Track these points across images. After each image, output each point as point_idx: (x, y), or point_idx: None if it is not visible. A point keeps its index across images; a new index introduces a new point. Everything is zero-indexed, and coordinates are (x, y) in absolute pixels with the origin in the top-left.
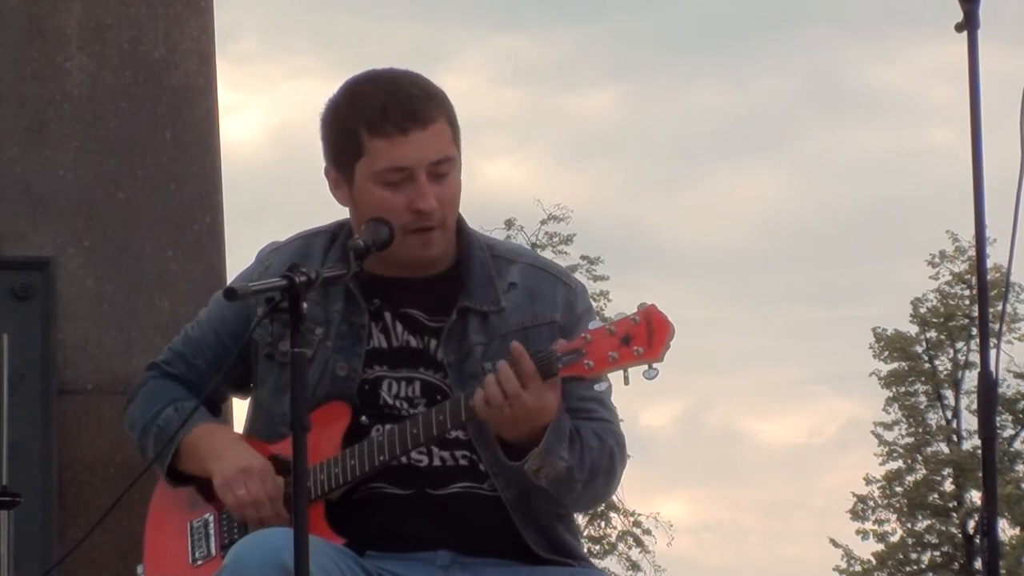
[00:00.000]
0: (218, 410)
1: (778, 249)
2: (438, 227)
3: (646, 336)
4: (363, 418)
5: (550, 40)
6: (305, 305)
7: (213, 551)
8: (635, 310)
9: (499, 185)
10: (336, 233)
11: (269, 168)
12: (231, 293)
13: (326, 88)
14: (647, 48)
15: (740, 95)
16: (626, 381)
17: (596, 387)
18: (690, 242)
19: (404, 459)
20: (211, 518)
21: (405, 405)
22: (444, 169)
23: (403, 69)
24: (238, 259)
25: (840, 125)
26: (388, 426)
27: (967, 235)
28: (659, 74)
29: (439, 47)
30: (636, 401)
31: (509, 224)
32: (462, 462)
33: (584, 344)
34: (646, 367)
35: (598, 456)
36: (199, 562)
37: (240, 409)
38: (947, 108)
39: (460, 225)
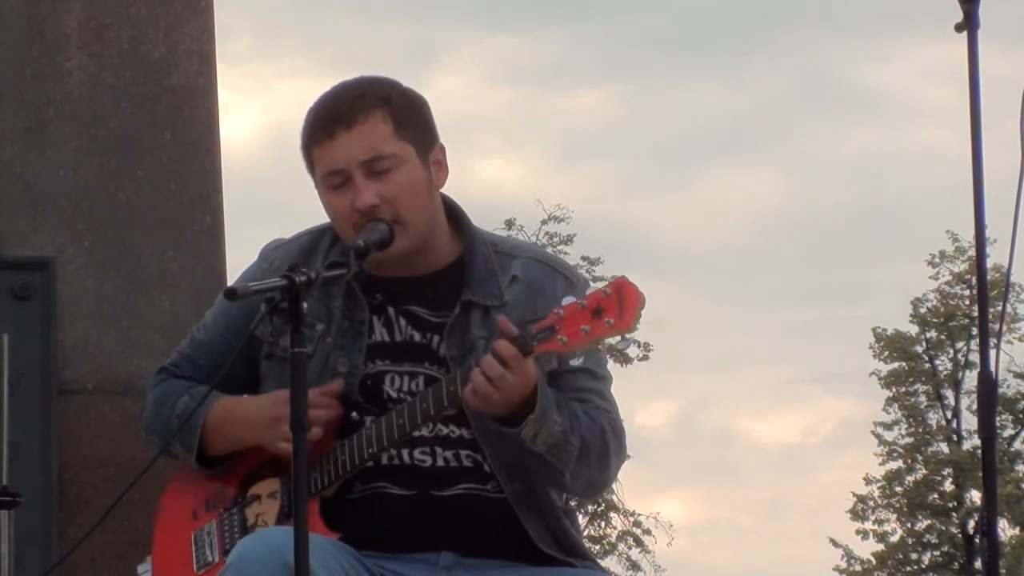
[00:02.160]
0: None
1: (772, 249)
2: (394, 223)
3: (617, 307)
4: (354, 414)
5: (542, 40)
6: (305, 305)
7: (216, 557)
8: (605, 283)
9: (493, 185)
10: None
11: (264, 168)
12: (232, 293)
13: (319, 88)
14: (640, 47)
15: (733, 94)
16: (621, 363)
17: (572, 362)
18: (684, 242)
19: (408, 459)
20: (213, 526)
21: (409, 399)
22: (383, 166)
23: (358, 77)
24: (234, 259)
25: (834, 125)
26: (376, 419)
27: (967, 235)
28: (652, 74)
29: (431, 47)
30: (632, 401)
31: (509, 224)
32: (466, 463)
33: (557, 320)
34: (619, 338)
35: (588, 428)
36: (203, 570)
37: None
38: (942, 108)
39: (463, 222)
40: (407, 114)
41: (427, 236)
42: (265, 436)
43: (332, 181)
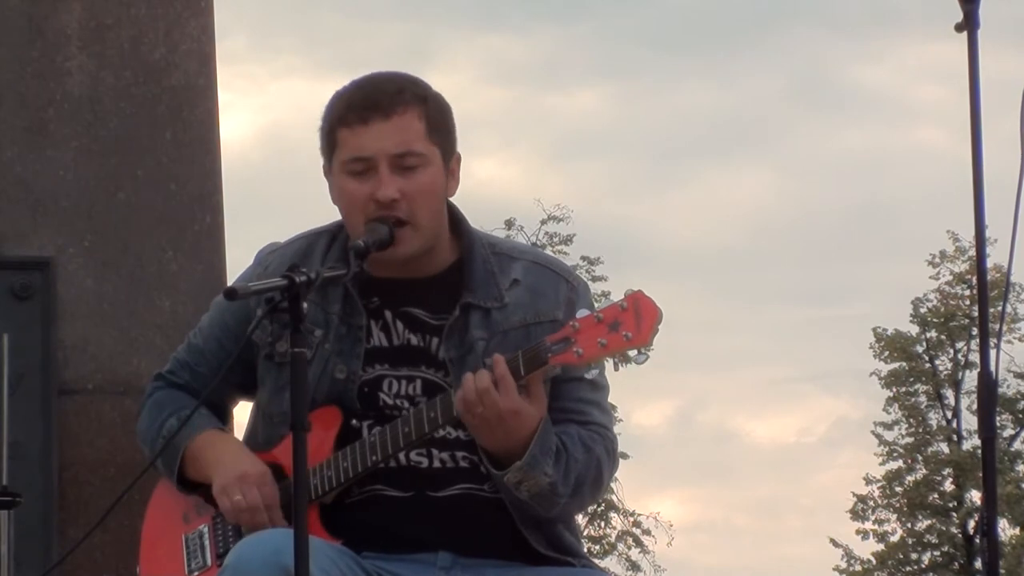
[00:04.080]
0: (226, 415)
1: (768, 248)
2: (408, 223)
3: (634, 321)
4: (354, 421)
5: (535, 39)
6: (305, 305)
7: (209, 561)
8: (622, 297)
9: (488, 184)
10: (336, 233)
11: (259, 168)
12: (231, 293)
13: (313, 88)
14: (633, 47)
15: (727, 94)
16: (616, 367)
17: (587, 374)
18: (679, 241)
19: (404, 460)
20: (205, 529)
21: (406, 404)
22: (410, 163)
23: (395, 72)
24: (229, 258)
25: (828, 124)
26: (380, 426)
27: (967, 235)
28: (645, 73)
29: (425, 47)
30: (628, 401)
31: (509, 224)
32: (463, 464)
33: (572, 332)
34: (635, 352)
35: (584, 469)
36: (195, 573)
37: (240, 415)
38: (936, 107)
39: (461, 224)
40: (439, 118)
41: (434, 240)
42: (217, 483)
43: (355, 167)
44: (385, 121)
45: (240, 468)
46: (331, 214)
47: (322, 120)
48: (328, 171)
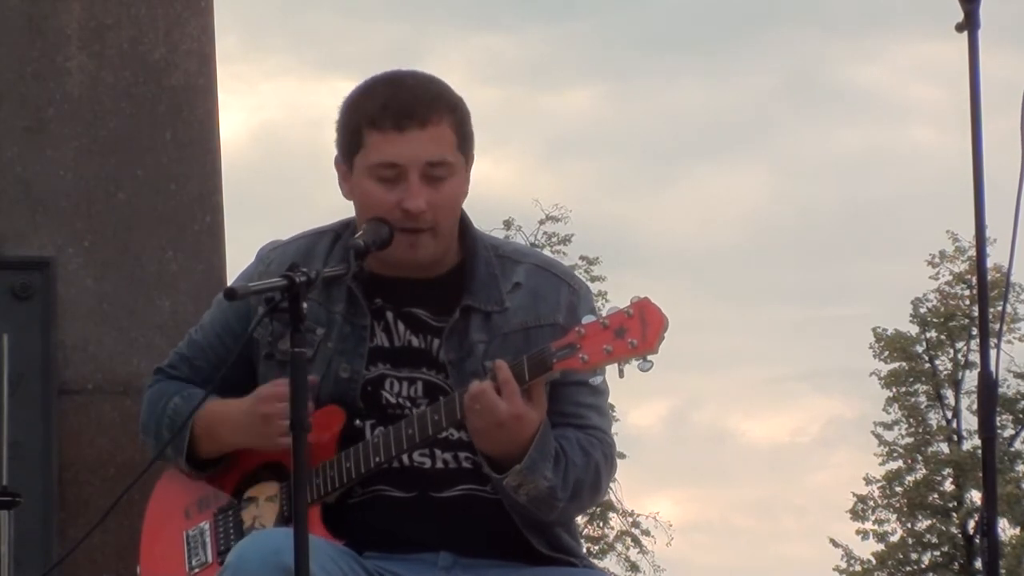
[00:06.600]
0: None
1: (762, 248)
2: (428, 230)
3: (640, 329)
4: (357, 421)
5: (528, 39)
6: (305, 305)
7: (210, 558)
8: (628, 303)
9: (482, 184)
10: (340, 232)
11: (252, 168)
12: (231, 293)
13: (305, 88)
14: (626, 47)
15: (721, 93)
16: (620, 374)
17: (592, 380)
18: (673, 241)
19: (407, 461)
20: (207, 526)
21: (408, 404)
22: (440, 173)
23: (422, 72)
24: (228, 258)
25: (822, 123)
26: (383, 427)
27: (967, 235)
28: (638, 73)
29: (418, 46)
30: (624, 400)
31: (508, 224)
32: (465, 464)
33: (578, 338)
34: (641, 359)
35: (583, 472)
36: (196, 569)
37: None
38: (931, 107)
39: (465, 225)
40: (466, 126)
41: (449, 245)
42: (259, 436)
43: (384, 173)
44: (421, 130)
45: (256, 414)
46: (325, 215)
47: (344, 114)
48: (344, 166)
